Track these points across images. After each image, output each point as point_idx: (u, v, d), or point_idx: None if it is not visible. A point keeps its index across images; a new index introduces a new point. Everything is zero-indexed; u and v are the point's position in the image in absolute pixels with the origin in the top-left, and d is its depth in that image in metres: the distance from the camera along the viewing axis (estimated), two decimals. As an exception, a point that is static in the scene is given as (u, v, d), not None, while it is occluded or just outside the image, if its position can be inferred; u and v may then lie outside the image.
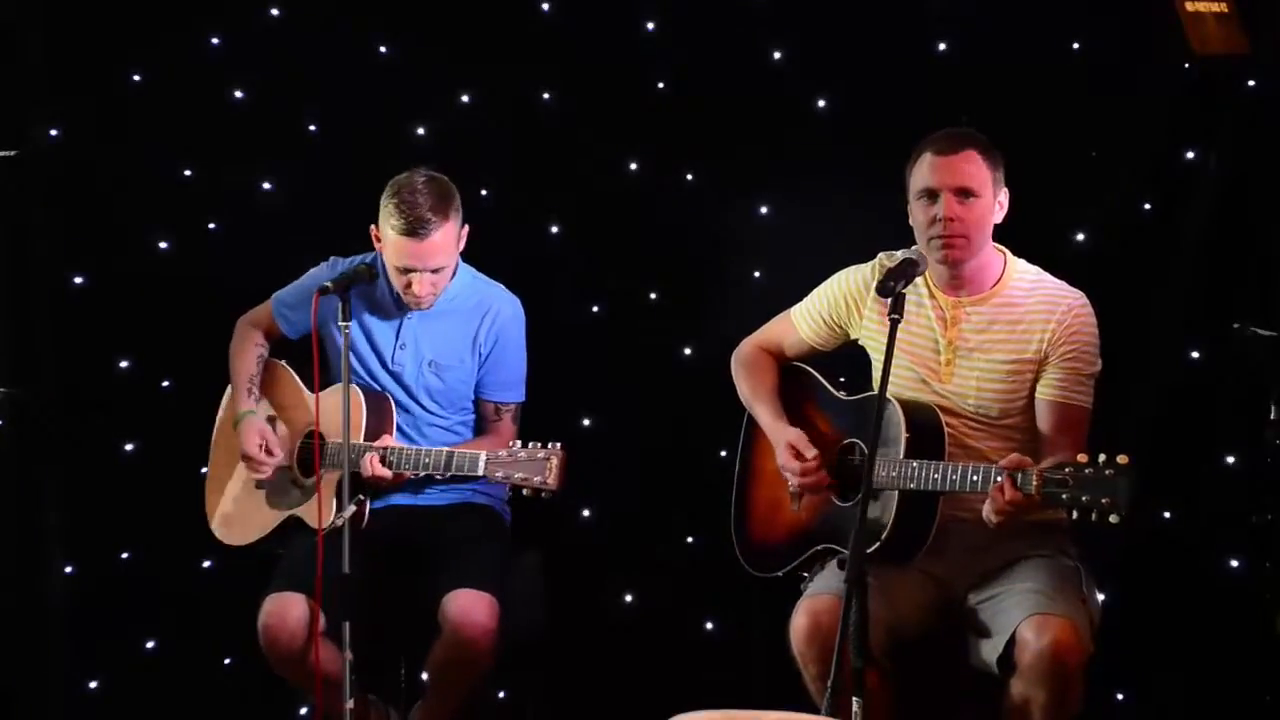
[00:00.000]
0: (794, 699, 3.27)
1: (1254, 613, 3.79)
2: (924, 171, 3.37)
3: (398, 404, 3.86)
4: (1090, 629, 3.24)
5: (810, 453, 3.49)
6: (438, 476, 3.71)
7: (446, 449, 3.65)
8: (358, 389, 3.74)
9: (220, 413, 4.07)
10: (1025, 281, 3.45)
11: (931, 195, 3.36)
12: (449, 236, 3.72)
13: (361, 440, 3.68)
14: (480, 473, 3.55)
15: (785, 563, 3.59)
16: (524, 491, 3.52)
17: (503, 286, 3.98)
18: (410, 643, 3.78)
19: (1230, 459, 4.04)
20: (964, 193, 3.34)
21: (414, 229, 3.65)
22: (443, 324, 3.88)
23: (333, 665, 3.58)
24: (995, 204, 3.39)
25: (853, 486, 3.47)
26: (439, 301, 3.85)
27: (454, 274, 3.87)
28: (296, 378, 3.97)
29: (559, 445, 3.50)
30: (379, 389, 3.87)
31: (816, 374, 3.69)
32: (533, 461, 3.50)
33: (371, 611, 3.55)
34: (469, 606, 3.61)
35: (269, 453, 3.84)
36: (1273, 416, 3.50)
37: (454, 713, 3.70)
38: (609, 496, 4.53)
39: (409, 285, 3.73)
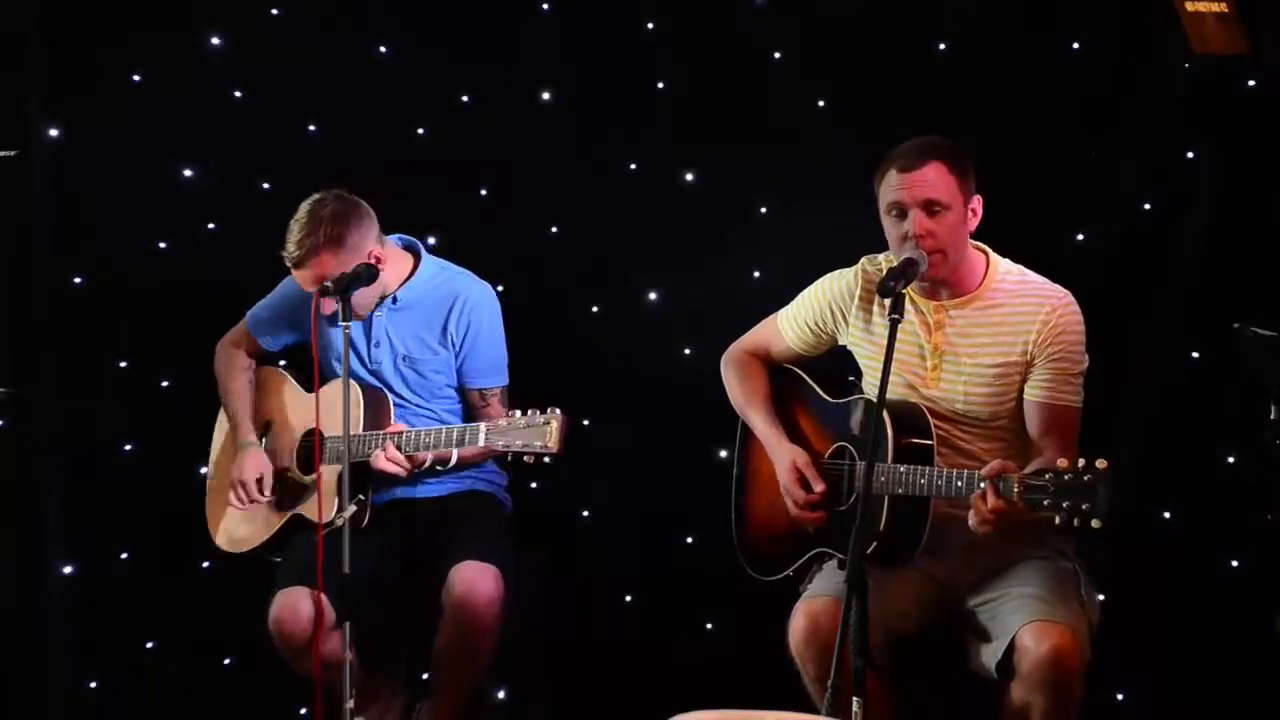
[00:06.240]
0: (794, 699, 3.27)
1: (1254, 613, 3.79)
2: (890, 187, 3.33)
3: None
4: (1089, 633, 3.24)
5: (818, 486, 3.47)
6: (440, 466, 3.72)
7: (446, 426, 3.68)
8: (356, 385, 3.74)
9: (218, 428, 4.10)
10: (1009, 282, 3.41)
11: (900, 211, 3.32)
12: (334, 267, 3.70)
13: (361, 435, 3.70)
14: (482, 443, 3.56)
15: (785, 566, 3.59)
16: (526, 458, 3.51)
17: (471, 273, 3.98)
18: (415, 639, 3.78)
19: (1230, 459, 4.04)
20: (931, 206, 3.29)
21: (292, 261, 3.75)
22: (411, 317, 3.91)
23: (340, 656, 3.58)
24: (967, 212, 3.34)
25: (841, 490, 3.47)
26: (404, 296, 3.88)
27: (414, 269, 3.91)
28: (292, 380, 3.99)
29: (558, 410, 3.49)
30: (376, 385, 3.88)
31: (805, 376, 3.67)
32: (532, 427, 3.49)
33: (377, 609, 3.56)
34: (474, 577, 3.64)
35: (261, 491, 3.88)
36: (1273, 416, 3.50)
37: (462, 700, 3.71)
38: (609, 497, 4.53)
39: None
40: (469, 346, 3.91)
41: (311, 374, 3.96)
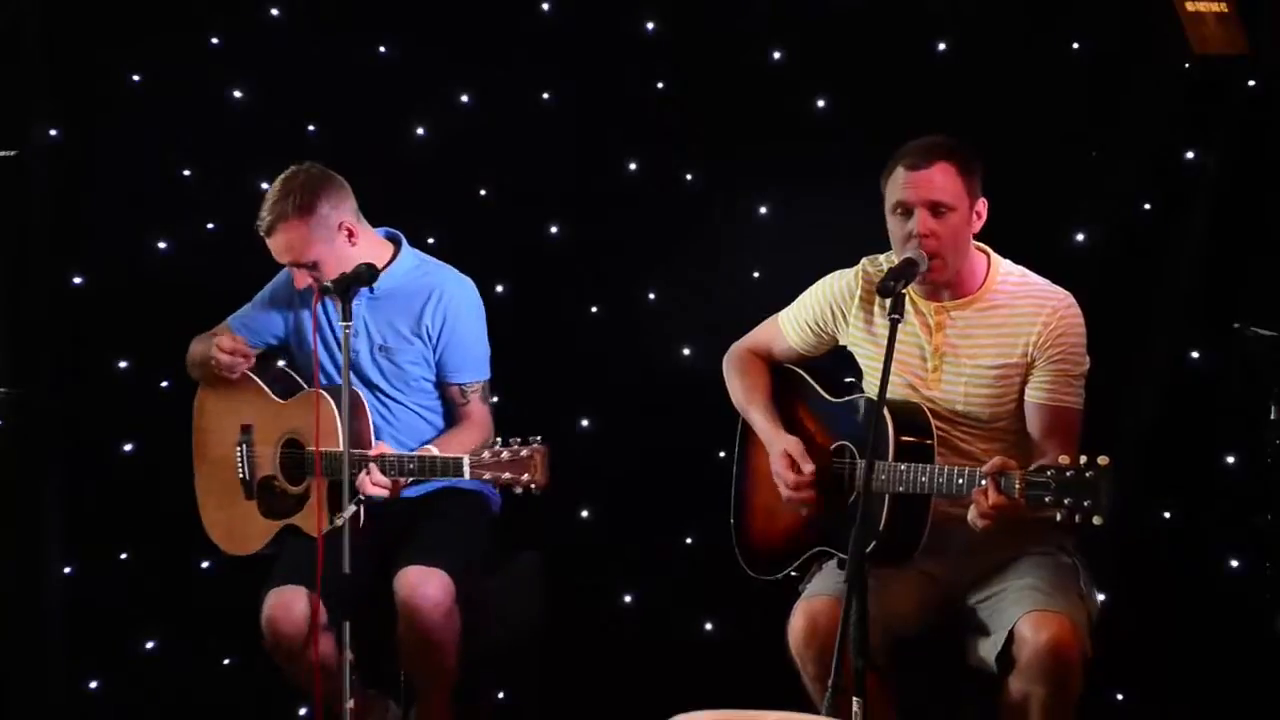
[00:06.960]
0: (794, 699, 3.27)
1: (1254, 613, 3.79)
2: (897, 186, 3.33)
3: (361, 390, 3.85)
4: (1088, 625, 3.25)
5: (808, 467, 3.47)
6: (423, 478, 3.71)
7: (429, 454, 3.63)
8: (326, 395, 3.70)
9: (195, 421, 4.07)
10: (1010, 283, 3.41)
11: (905, 210, 3.32)
12: (304, 234, 3.73)
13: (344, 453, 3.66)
14: (466, 476, 3.52)
15: (784, 566, 3.59)
16: (516, 490, 3.51)
17: (453, 269, 3.97)
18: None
19: (1230, 459, 4.04)
20: (937, 207, 3.30)
21: (264, 229, 3.76)
22: (387, 308, 3.89)
23: (333, 659, 3.59)
24: (972, 214, 3.35)
25: (843, 489, 3.47)
26: (381, 285, 3.85)
27: (393, 258, 3.89)
28: (263, 385, 3.95)
29: (538, 439, 3.48)
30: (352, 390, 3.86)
31: (806, 376, 3.68)
32: (516, 461, 3.47)
33: (367, 609, 3.55)
34: (417, 581, 3.62)
35: (243, 355, 3.87)
36: (1273, 416, 3.51)
37: (437, 700, 3.70)
38: (609, 496, 4.53)
39: None
40: (446, 341, 3.88)
41: (285, 379, 3.98)
